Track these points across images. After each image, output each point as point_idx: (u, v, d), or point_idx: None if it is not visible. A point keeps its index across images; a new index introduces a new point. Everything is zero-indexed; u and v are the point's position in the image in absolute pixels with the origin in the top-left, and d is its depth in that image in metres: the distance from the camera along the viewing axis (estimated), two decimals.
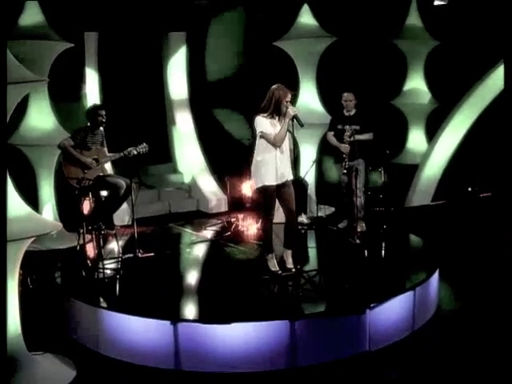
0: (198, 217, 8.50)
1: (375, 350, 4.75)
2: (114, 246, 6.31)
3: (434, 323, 5.34)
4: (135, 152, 6.34)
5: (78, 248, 6.14)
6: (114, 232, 6.36)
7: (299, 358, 4.54)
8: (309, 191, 7.87)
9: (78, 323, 5.08)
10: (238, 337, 4.48)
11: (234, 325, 4.48)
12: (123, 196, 6.19)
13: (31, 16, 6.74)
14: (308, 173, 7.39)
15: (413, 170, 9.24)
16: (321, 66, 8.36)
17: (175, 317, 4.61)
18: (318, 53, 8.13)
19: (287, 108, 5.15)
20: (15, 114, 6.86)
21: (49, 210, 7.10)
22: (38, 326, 5.13)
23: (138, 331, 4.67)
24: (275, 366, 4.50)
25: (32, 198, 7.07)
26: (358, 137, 6.89)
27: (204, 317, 4.64)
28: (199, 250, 6.66)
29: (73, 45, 7.03)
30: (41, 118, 6.90)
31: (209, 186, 8.98)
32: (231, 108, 9.68)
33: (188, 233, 7.36)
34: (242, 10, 9.43)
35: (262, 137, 5.23)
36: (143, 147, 6.41)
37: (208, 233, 7.31)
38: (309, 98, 8.24)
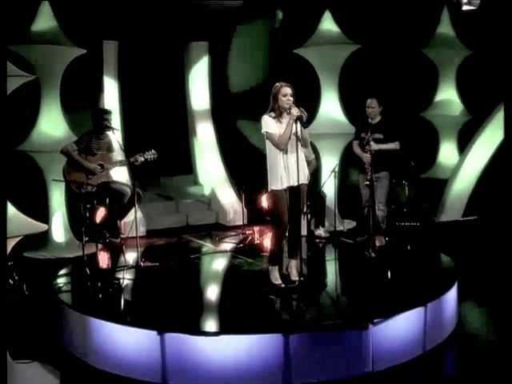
0: (216, 229, 8.26)
1: (379, 371, 4.34)
2: (118, 255, 6.12)
3: (450, 344, 4.90)
4: (143, 159, 6.17)
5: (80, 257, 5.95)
6: (118, 240, 6.16)
7: (294, 376, 4.16)
8: (327, 203, 7.52)
9: (69, 331, 4.87)
10: (228, 351, 4.16)
11: (222, 337, 4.18)
12: (128, 204, 6.00)
13: (44, 21, 6.71)
14: (327, 184, 7.09)
15: (444, 184, 8.79)
16: (347, 75, 8.09)
17: (163, 327, 4.33)
18: (340, 60, 7.86)
19: (291, 109, 4.87)
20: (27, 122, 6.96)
21: (59, 218, 6.98)
22: (30, 334, 4.98)
23: (124, 341, 4.41)
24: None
25: (43, 205, 7.05)
26: (382, 146, 6.50)
27: (192, 328, 4.34)
28: (206, 261, 6.41)
29: (85, 51, 6.95)
30: (52, 125, 6.82)
31: (228, 198, 8.74)
32: (255, 120, 9.44)
33: (199, 244, 7.12)
34: (266, 21, 9.22)
35: (267, 138, 4.96)
36: (151, 154, 6.24)
37: (221, 245, 7.05)
38: (331, 106, 7.97)
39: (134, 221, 7.41)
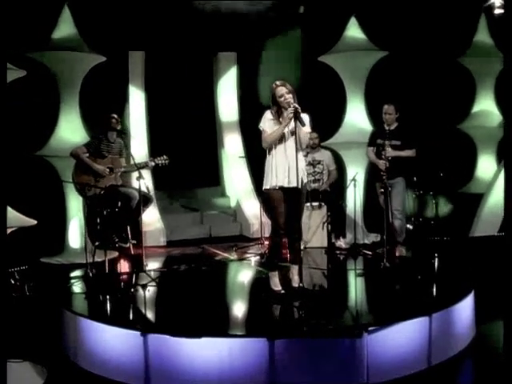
0: (239, 241, 8.07)
1: None
2: (126, 260, 6.05)
3: (464, 359, 4.52)
4: (153, 163, 6.12)
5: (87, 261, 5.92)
6: (127, 245, 6.08)
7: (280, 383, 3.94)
8: (348, 213, 7.22)
9: (64, 332, 4.80)
10: (211, 354, 3.97)
11: (204, 340, 3.98)
12: (136, 208, 5.92)
13: (64, 29, 6.81)
14: (351, 195, 6.84)
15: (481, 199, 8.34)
16: (375, 84, 7.84)
17: (147, 328, 4.18)
18: (366, 68, 7.61)
19: (288, 107, 4.69)
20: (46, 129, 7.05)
21: (75, 224, 6.99)
22: (27, 334, 4.93)
23: (109, 342, 4.29)
24: None
25: (61, 211, 7.09)
26: (399, 153, 6.25)
27: (175, 329, 4.16)
28: (213, 268, 6.25)
29: (105, 58, 7.01)
30: (71, 130, 6.88)
31: (253, 210, 8.55)
32: None
33: (215, 253, 6.97)
34: (298, 31, 9.10)
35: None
36: (163, 159, 6.17)
37: (237, 254, 6.87)
38: (356, 115, 7.71)
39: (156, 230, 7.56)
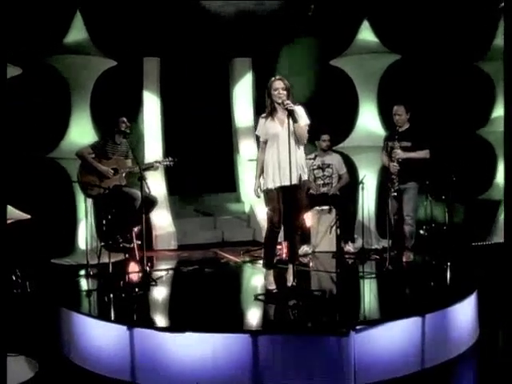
0: (250, 245, 8.02)
1: None
2: (130, 260, 6.07)
3: (458, 364, 4.37)
4: (158, 165, 6.17)
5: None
6: (131, 246, 6.11)
7: (264, 382, 3.86)
8: (361, 219, 7.11)
9: (59, 328, 4.84)
10: (194, 349, 3.94)
11: (188, 335, 3.95)
12: (140, 209, 5.93)
13: (75, 34, 6.93)
14: (361, 199, 6.75)
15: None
16: (389, 88, 7.75)
17: (133, 322, 4.19)
18: (378, 71, 7.55)
19: (284, 103, 4.66)
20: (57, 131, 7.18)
21: (84, 226, 7.06)
22: (26, 329, 4.99)
23: (98, 337, 4.31)
24: None
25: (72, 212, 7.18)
26: (409, 154, 6.11)
27: (160, 324, 4.15)
28: (216, 270, 6.24)
29: (115, 63, 7.10)
30: (81, 133, 6.96)
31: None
32: None
33: (222, 256, 6.96)
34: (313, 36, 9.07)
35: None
36: (168, 160, 6.22)
37: (243, 257, 6.84)
38: (368, 119, 7.63)
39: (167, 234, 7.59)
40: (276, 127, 4.74)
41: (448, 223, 6.90)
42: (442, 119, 8.39)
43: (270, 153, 4.79)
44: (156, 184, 8.25)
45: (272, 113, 4.77)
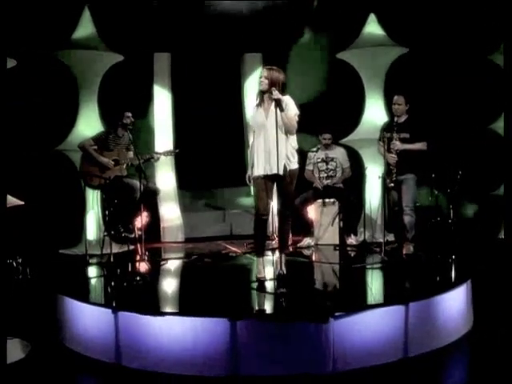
0: None
1: (341, 372, 3.92)
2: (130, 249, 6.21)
3: (446, 353, 4.32)
4: (158, 156, 6.27)
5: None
6: (132, 236, 6.22)
7: (241, 366, 3.90)
8: (369, 213, 7.09)
9: (54, 312, 4.98)
10: (175, 333, 4.01)
11: (169, 318, 4.03)
12: (140, 200, 6.04)
13: (83, 29, 7.09)
14: (368, 192, 6.77)
15: None
16: (397, 81, 7.70)
17: (118, 305, 4.29)
18: (384, 64, 7.50)
19: (270, 92, 4.70)
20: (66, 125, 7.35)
21: (91, 217, 7.22)
22: (24, 314, 5.14)
23: (86, 320, 4.43)
24: (215, 372, 3.92)
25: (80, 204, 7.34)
26: (407, 146, 6.08)
27: (144, 307, 4.23)
28: (214, 260, 6.33)
29: (122, 58, 7.24)
30: (89, 126, 7.11)
31: (274, 209, 8.52)
32: (309, 133, 9.25)
33: (225, 248, 7.03)
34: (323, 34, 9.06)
35: None
36: (168, 152, 6.34)
37: (246, 249, 6.89)
38: (375, 112, 7.58)
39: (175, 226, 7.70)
40: (262, 116, 4.78)
41: (453, 217, 6.84)
42: (453, 113, 8.30)
43: (257, 142, 4.83)
44: (166, 177, 8.39)
45: (260, 102, 4.81)
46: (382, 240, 7.17)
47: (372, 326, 4.06)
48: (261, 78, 4.78)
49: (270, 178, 4.80)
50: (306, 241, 6.98)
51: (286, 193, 4.84)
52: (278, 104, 4.63)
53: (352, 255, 6.49)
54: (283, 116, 4.66)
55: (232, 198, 9.17)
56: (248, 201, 9.17)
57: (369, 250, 6.45)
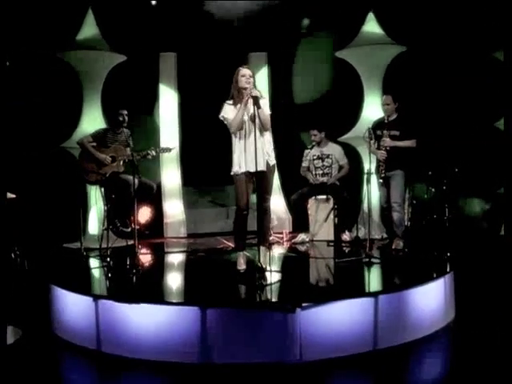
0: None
1: (308, 362, 4.03)
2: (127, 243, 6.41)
3: (417, 346, 4.38)
4: (154, 153, 6.42)
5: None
6: (129, 230, 6.42)
7: (214, 354, 4.05)
8: (367, 210, 7.15)
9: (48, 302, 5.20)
10: (150, 320, 4.18)
11: (144, 306, 4.20)
12: (135, 195, 6.22)
13: (87, 30, 7.33)
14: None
15: None
16: (408, 82, 7.76)
17: (99, 294, 4.48)
18: (382, 63, 7.57)
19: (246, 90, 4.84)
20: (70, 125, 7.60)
21: (94, 212, 7.46)
22: (19, 303, 5.36)
23: (70, 308, 4.63)
24: (189, 359, 4.07)
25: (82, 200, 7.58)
26: (397, 143, 6.18)
27: (122, 296, 4.42)
28: (206, 254, 6.52)
29: (125, 58, 7.45)
30: (92, 124, 7.34)
31: (276, 205, 8.65)
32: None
33: (222, 243, 7.18)
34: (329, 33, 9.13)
35: (225, 123, 4.99)
36: (164, 149, 6.50)
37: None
38: (374, 110, 7.63)
39: (177, 222, 7.87)
40: (241, 113, 4.90)
41: (449, 214, 6.88)
42: (455, 111, 8.30)
43: (236, 139, 4.96)
44: (171, 174, 8.60)
45: (239, 99, 4.93)
46: (376, 236, 7.35)
47: (340, 317, 4.15)
48: (244, 76, 4.89)
49: (251, 175, 4.93)
50: (301, 237, 7.09)
51: (266, 187, 4.96)
52: (256, 101, 4.76)
53: (345, 251, 6.58)
54: (260, 113, 4.79)
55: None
56: (252, 198, 9.31)
57: (361, 246, 6.52)
